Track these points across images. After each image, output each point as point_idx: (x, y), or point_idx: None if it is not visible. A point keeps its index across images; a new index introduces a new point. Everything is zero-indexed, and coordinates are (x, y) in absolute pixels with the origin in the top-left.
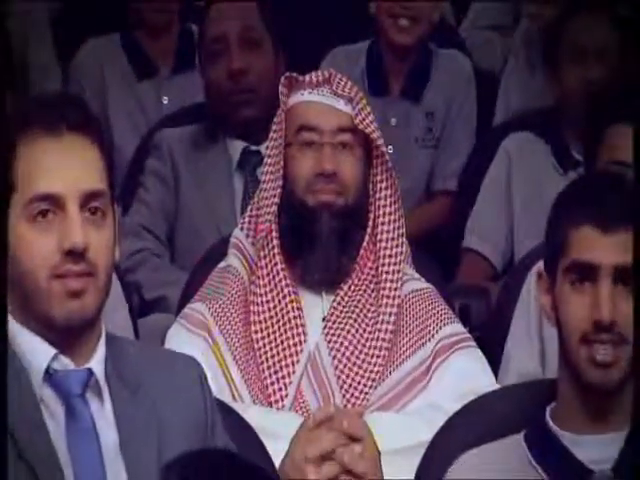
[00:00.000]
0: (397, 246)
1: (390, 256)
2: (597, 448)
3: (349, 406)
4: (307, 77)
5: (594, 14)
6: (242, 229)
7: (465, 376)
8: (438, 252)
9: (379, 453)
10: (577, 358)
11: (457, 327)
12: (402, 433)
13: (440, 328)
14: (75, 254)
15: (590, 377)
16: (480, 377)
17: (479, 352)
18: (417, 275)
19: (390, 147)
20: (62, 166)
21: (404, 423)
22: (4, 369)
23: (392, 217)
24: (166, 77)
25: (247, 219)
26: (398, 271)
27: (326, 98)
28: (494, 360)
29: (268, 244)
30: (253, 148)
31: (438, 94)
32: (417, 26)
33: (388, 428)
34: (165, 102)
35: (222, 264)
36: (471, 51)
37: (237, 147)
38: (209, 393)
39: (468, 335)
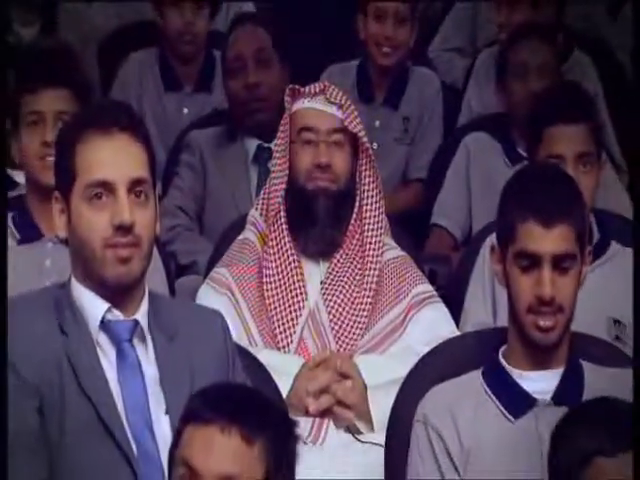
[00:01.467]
0: (378, 222)
1: (373, 230)
2: (540, 382)
3: (341, 351)
4: (306, 88)
5: (535, 38)
6: (256, 209)
7: (433, 325)
8: (412, 227)
9: (366, 388)
10: (524, 322)
11: (426, 287)
12: (383, 371)
13: (413, 287)
14: (124, 229)
15: (534, 337)
16: (445, 326)
17: (444, 307)
18: (395, 244)
19: (375, 144)
20: (113, 159)
21: (385, 363)
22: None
23: (374, 199)
24: (188, 93)
25: (260, 201)
26: (379, 242)
27: (321, 105)
28: (455, 313)
29: (277, 221)
30: (265, 145)
31: (413, 102)
32: (397, 51)
33: (372, 367)
34: (185, 112)
35: (240, 237)
36: (437, 68)
37: (252, 144)
38: (230, 339)
39: (435, 293)
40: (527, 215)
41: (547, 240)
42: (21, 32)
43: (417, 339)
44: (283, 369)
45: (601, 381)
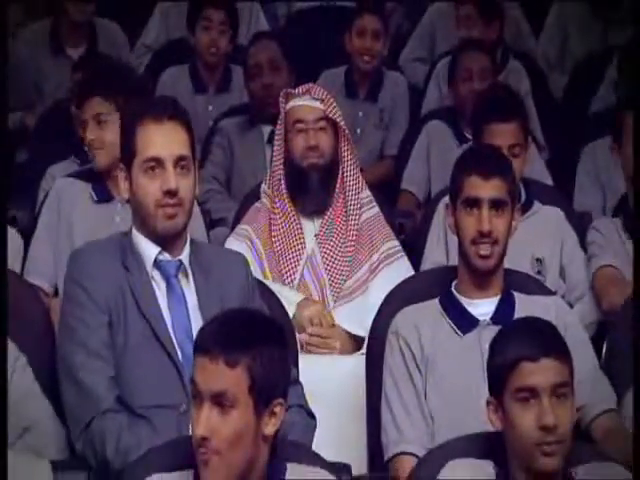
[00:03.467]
0: (357, 187)
1: (352, 193)
2: (482, 307)
3: (333, 286)
4: (296, 90)
5: (477, 50)
6: (265, 183)
7: (399, 272)
8: (386, 191)
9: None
10: (468, 252)
11: (394, 243)
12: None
13: (383, 244)
14: (170, 193)
15: (476, 264)
16: (409, 271)
17: (406, 260)
18: (374, 203)
19: (358, 130)
20: (163, 140)
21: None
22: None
23: (353, 170)
24: (212, 94)
25: (268, 176)
26: (358, 202)
27: (308, 101)
28: (418, 255)
29: (280, 190)
30: None
31: (387, 98)
32: (374, 59)
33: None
34: (210, 109)
35: (257, 204)
36: (405, 72)
37: (267, 129)
38: (251, 274)
39: (400, 249)
40: (471, 171)
41: (486, 188)
42: (70, 53)
43: (385, 284)
44: (288, 299)
45: (527, 305)
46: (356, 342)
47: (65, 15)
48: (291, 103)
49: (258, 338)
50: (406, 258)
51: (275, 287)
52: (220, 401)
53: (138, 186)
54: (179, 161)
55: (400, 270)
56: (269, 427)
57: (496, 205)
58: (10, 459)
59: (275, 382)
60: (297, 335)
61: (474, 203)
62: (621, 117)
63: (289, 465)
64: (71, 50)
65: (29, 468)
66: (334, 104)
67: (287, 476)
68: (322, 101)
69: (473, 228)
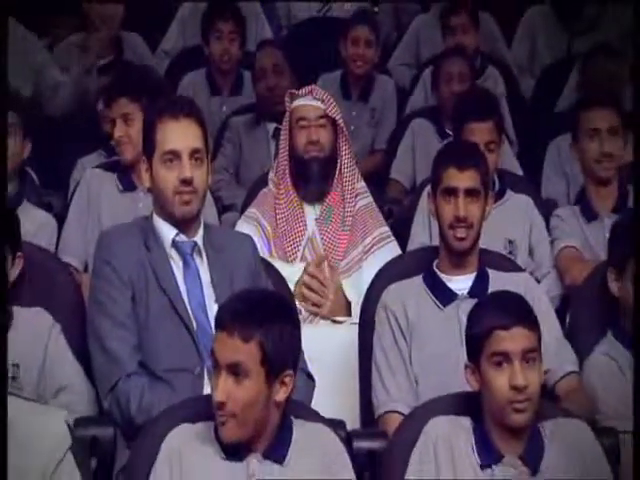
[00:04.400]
0: (353, 179)
1: (348, 182)
2: (460, 282)
3: (330, 263)
4: (300, 91)
5: (457, 56)
6: (272, 171)
7: (389, 254)
8: (377, 180)
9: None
10: (447, 235)
11: (385, 229)
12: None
13: (376, 229)
14: (186, 182)
15: (453, 245)
16: (397, 253)
17: (396, 244)
18: (368, 193)
19: (352, 127)
20: (180, 135)
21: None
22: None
23: (349, 162)
24: (226, 96)
25: (274, 166)
26: (353, 190)
27: (310, 101)
28: (405, 236)
29: (284, 179)
30: (280, 127)
31: (377, 98)
32: (366, 65)
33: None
34: (224, 109)
35: (264, 190)
36: (393, 76)
37: (271, 126)
38: (257, 254)
39: (390, 234)
40: (448, 163)
41: (462, 179)
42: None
43: (376, 263)
44: (291, 276)
45: (500, 281)
46: (346, 308)
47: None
48: (295, 102)
49: (271, 316)
50: (395, 242)
51: (278, 264)
52: (235, 371)
53: (158, 176)
54: (194, 153)
55: (390, 252)
56: (280, 395)
57: (471, 194)
58: (19, 406)
59: (285, 355)
60: (297, 304)
61: (451, 192)
62: (577, 116)
63: (295, 421)
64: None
65: (44, 418)
66: (333, 104)
67: (294, 432)
68: (322, 101)
69: (451, 214)
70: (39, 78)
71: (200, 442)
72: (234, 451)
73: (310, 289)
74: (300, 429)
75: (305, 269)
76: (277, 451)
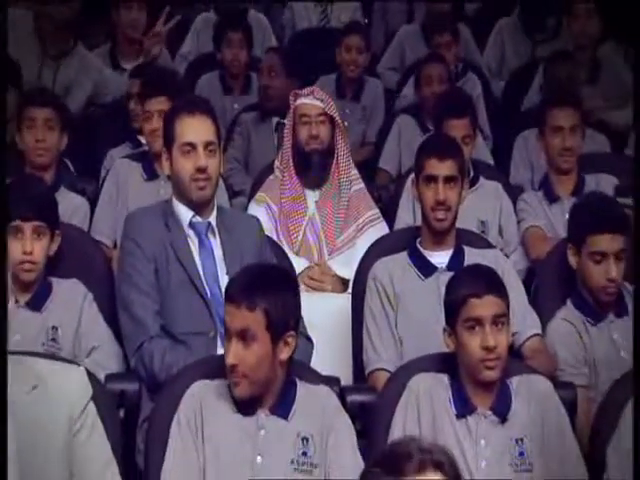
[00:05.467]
0: (347, 168)
1: (343, 171)
2: (439, 257)
3: (326, 241)
4: (302, 91)
5: (436, 61)
6: (277, 160)
7: (378, 232)
8: (367, 169)
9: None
10: (428, 216)
11: (376, 211)
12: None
13: (367, 211)
14: (201, 170)
15: (434, 225)
16: (385, 232)
17: (385, 224)
18: (360, 180)
19: (346, 123)
20: (195, 129)
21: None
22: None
23: (344, 154)
24: (236, 95)
25: (279, 156)
26: (348, 178)
27: (311, 100)
28: (391, 217)
29: (288, 167)
30: (282, 121)
31: (367, 97)
32: (358, 68)
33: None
34: (235, 107)
35: (271, 176)
36: (381, 78)
37: (274, 121)
38: (264, 234)
39: (380, 215)
40: (430, 154)
41: (441, 168)
42: (125, 66)
43: (367, 242)
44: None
45: (474, 256)
46: (344, 285)
47: (122, 36)
48: (298, 101)
49: (273, 286)
50: (384, 223)
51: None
52: (244, 337)
53: (177, 164)
54: (208, 145)
55: (379, 231)
56: (284, 353)
57: (449, 180)
58: (49, 368)
59: (287, 319)
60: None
61: (432, 179)
62: (544, 115)
63: (298, 383)
64: (125, 64)
65: (66, 374)
66: (331, 103)
67: (297, 392)
68: (322, 101)
69: (432, 198)
70: (98, 80)
71: (216, 397)
72: (245, 407)
73: (311, 284)
74: (303, 389)
75: (306, 272)
76: (282, 408)
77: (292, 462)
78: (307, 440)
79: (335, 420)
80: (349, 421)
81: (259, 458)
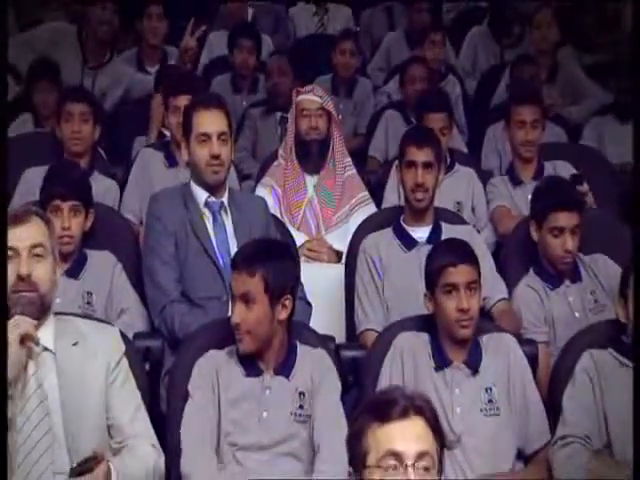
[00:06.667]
0: (342, 156)
1: (338, 158)
2: (420, 232)
3: (324, 219)
4: (303, 89)
5: (419, 63)
6: (281, 148)
7: (368, 211)
8: (359, 156)
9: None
10: (409, 197)
11: (366, 193)
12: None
13: (358, 193)
14: (215, 157)
15: (414, 204)
16: (374, 209)
17: (373, 204)
18: (353, 166)
19: (340, 116)
20: (209, 121)
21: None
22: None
23: (339, 143)
24: (246, 94)
25: (283, 144)
26: (342, 163)
27: (311, 97)
28: (379, 197)
29: (291, 155)
30: (285, 115)
31: (358, 94)
32: (350, 69)
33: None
34: (244, 104)
35: (276, 162)
36: (371, 78)
37: (278, 115)
38: (269, 212)
39: (369, 197)
40: (410, 142)
41: (420, 154)
42: (149, 69)
43: (357, 220)
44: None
45: (450, 231)
46: (338, 256)
47: (145, 42)
48: (300, 97)
49: (272, 256)
50: (373, 203)
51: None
52: (246, 299)
53: (194, 152)
54: (221, 135)
55: (369, 210)
56: (282, 314)
57: (427, 166)
58: (88, 327)
59: (284, 285)
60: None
61: (412, 164)
62: (510, 110)
63: (299, 346)
64: (148, 66)
65: (103, 333)
66: (329, 99)
67: (298, 354)
68: (320, 97)
69: (412, 181)
70: (129, 84)
71: (228, 364)
72: (253, 368)
73: (310, 256)
74: (303, 352)
75: (305, 244)
76: (285, 369)
77: (291, 414)
78: (303, 395)
79: (326, 378)
80: (337, 380)
81: (265, 413)
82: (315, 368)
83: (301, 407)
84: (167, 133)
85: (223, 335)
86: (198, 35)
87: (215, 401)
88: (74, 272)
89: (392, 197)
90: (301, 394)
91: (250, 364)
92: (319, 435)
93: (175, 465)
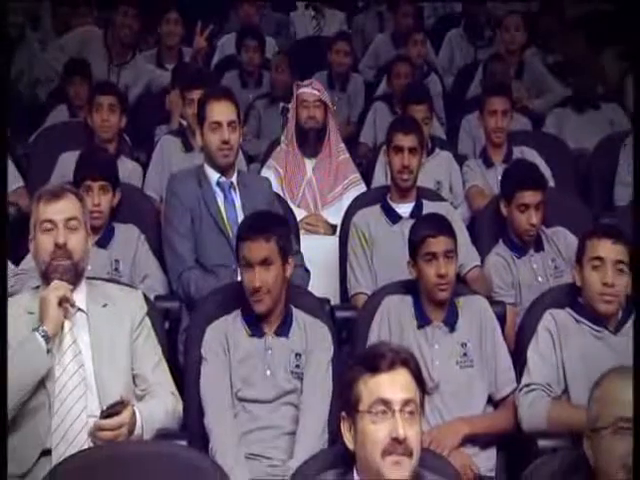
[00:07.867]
0: (337, 142)
1: (333, 144)
2: (404, 208)
3: (320, 197)
4: (303, 82)
5: (404, 61)
6: (283, 135)
7: (359, 190)
8: (351, 142)
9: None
10: (395, 177)
11: (357, 175)
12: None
13: (350, 174)
14: (225, 142)
15: (399, 184)
16: (364, 189)
17: (364, 184)
18: (346, 151)
19: (335, 107)
20: (221, 110)
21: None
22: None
23: (334, 131)
24: (252, 88)
25: (285, 132)
26: (337, 148)
27: (310, 90)
28: (369, 179)
29: (292, 141)
30: (287, 106)
31: (351, 88)
32: (344, 67)
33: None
34: (250, 97)
35: (279, 147)
36: (362, 74)
37: (280, 106)
38: (272, 190)
39: (360, 178)
40: (397, 129)
41: (405, 140)
42: (167, 67)
43: (350, 197)
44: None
45: (430, 207)
46: (333, 229)
47: (164, 44)
48: (300, 90)
49: (277, 224)
50: (363, 183)
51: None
52: (265, 263)
53: (207, 138)
54: (231, 123)
55: (359, 189)
56: (288, 271)
57: (412, 150)
58: (115, 291)
59: (289, 247)
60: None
61: (399, 149)
62: (483, 101)
63: (294, 310)
64: (167, 64)
65: (128, 296)
66: (325, 93)
67: (294, 318)
68: (318, 90)
69: (399, 163)
70: (149, 80)
71: (234, 326)
72: (257, 330)
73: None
74: (299, 316)
75: (304, 219)
76: (284, 330)
77: (290, 372)
78: (299, 355)
79: (318, 343)
80: (329, 344)
81: (268, 371)
82: (309, 333)
83: (297, 366)
84: (184, 122)
85: (231, 298)
86: (206, 35)
87: (226, 362)
88: (103, 243)
89: (380, 178)
90: (297, 355)
91: (255, 326)
92: (307, 389)
93: (191, 409)
